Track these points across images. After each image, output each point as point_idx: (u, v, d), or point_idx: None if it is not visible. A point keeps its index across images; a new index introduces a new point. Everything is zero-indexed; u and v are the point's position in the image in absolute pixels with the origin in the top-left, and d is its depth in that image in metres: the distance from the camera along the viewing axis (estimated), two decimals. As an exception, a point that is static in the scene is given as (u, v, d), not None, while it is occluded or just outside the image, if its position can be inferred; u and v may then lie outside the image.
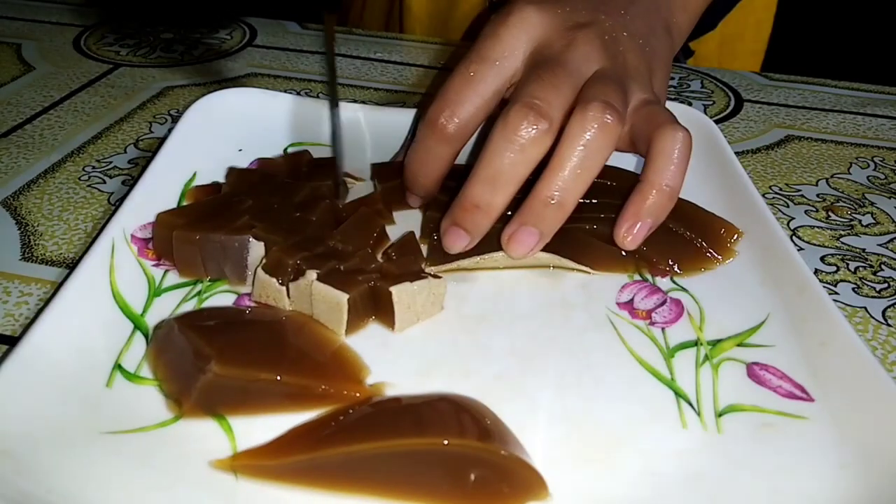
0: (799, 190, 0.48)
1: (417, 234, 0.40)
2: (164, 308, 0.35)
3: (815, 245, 0.43)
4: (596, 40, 0.36)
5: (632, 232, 0.35)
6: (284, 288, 0.34)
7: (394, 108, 0.50)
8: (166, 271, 0.37)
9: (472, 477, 0.27)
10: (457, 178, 0.41)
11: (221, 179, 0.42)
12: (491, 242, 0.36)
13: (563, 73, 0.35)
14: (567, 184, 0.33)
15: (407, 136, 0.46)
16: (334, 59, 0.50)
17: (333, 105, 0.44)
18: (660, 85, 0.40)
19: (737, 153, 0.51)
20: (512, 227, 0.35)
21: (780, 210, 0.46)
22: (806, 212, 0.46)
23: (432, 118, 0.36)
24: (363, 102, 0.55)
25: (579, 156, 0.33)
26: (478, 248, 0.37)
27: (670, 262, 0.38)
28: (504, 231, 0.35)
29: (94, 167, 0.48)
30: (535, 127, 0.33)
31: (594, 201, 0.40)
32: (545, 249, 0.36)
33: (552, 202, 0.34)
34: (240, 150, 0.46)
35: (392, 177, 0.42)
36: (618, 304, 0.36)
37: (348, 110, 0.48)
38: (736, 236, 0.39)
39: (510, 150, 0.33)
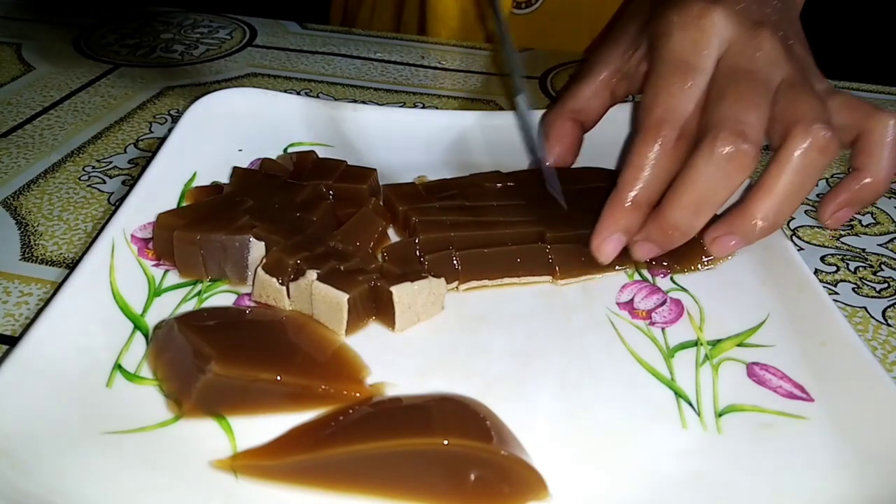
0: (799, 190, 0.48)
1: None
2: (164, 308, 0.35)
3: (815, 245, 0.43)
4: (777, 41, 0.36)
5: (838, 217, 0.37)
6: (284, 288, 0.34)
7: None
8: (166, 271, 0.37)
9: (472, 477, 0.27)
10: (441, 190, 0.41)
11: (221, 179, 0.42)
12: (511, 267, 0.37)
13: (760, 88, 0.34)
14: (783, 206, 0.34)
15: (540, 150, 0.45)
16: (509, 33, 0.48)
17: (518, 93, 0.44)
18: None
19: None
20: (719, 231, 0.35)
21: (780, 210, 0.46)
22: (806, 212, 0.46)
23: (659, 132, 0.35)
24: (364, 102, 0.56)
25: (798, 180, 0.33)
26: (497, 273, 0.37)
27: (664, 262, 0.38)
28: (710, 231, 0.36)
29: (94, 167, 0.48)
30: (743, 154, 0.33)
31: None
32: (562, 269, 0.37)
33: (764, 222, 0.34)
34: (240, 150, 0.46)
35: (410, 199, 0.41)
36: (618, 304, 0.36)
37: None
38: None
39: (716, 177, 0.33)
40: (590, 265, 0.38)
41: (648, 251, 0.36)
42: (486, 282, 0.37)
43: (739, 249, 0.36)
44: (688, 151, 0.35)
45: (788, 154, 0.33)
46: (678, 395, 0.32)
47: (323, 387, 0.30)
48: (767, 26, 0.36)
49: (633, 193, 0.35)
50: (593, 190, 0.42)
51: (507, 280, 0.37)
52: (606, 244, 0.36)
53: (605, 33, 0.70)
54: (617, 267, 0.38)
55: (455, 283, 0.37)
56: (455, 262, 0.37)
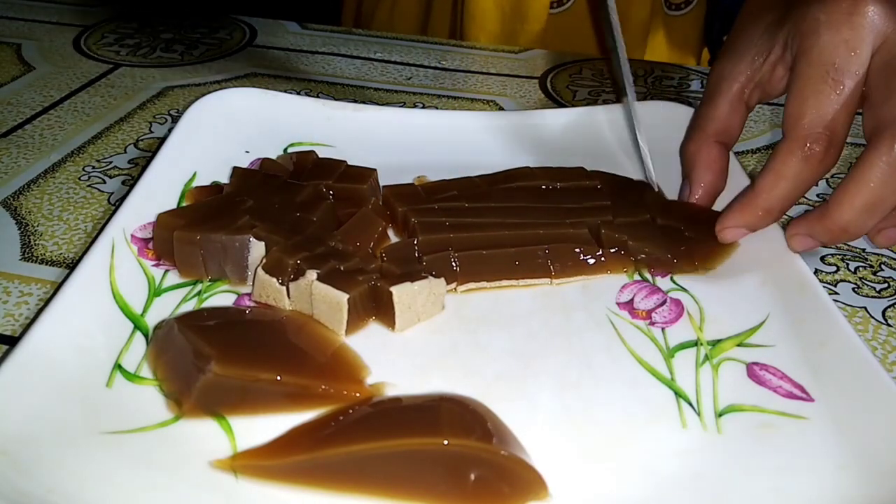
0: (799, 190, 0.48)
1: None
2: (164, 308, 0.35)
3: (815, 245, 0.43)
4: None
5: None
6: (284, 288, 0.34)
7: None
8: (166, 271, 0.37)
9: (472, 477, 0.27)
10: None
11: (222, 179, 0.42)
12: (510, 269, 0.37)
13: None
14: None
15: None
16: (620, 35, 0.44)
17: (627, 94, 0.43)
18: None
19: (737, 153, 0.51)
20: (888, 223, 0.35)
21: (780, 210, 0.46)
22: (806, 212, 0.46)
23: (806, 144, 0.34)
24: (362, 102, 0.56)
25: None
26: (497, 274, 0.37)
27: (673, 259, 0.38)
28: (879, 224, 0.35)
29: (94, 167, 0.48)
30: None
31: (585, 205, 0.40)
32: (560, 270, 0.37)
33: None
34: (246, 151, 0.45)
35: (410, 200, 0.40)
36: (618, 304, 0.36)
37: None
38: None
39: (893, 179, 0.32)
40: (587, 267, 0.38)
41: (807, 245, 0.36)
42: (484, 283, 0.37)
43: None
44: (836, 159, 0.34)
45: None
46: (678, 395, 0.32)
47: (323, 387, 0.30)
48: None
49: (767, 200, 0.35)
50: (575, 189, 0.42)
51: (504, 282, 0.37)
52: (729, 232, 0.37)
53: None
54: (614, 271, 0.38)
55: (453, 285, 0.37)
56: (454, 263, 0.37)
